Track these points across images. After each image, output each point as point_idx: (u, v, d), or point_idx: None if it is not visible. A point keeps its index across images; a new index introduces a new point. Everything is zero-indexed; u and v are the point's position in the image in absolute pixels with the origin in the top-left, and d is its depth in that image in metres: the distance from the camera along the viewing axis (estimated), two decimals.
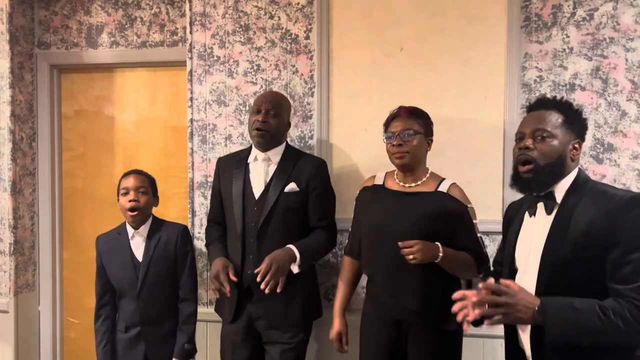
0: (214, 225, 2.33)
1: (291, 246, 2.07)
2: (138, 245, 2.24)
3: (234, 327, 2.19)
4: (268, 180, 2.17)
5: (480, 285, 1.38)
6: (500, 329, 2.23)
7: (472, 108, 2.33)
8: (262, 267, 1.97)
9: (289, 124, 2.27)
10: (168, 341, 2.23)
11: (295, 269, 2.05)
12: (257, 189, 2.17)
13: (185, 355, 2.23)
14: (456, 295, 1.45)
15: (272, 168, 2.19)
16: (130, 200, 2.18)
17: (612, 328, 1.31)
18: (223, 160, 2.33)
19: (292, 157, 2.21)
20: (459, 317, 1.43)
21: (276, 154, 2.19)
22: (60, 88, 2.99)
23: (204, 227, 2.53)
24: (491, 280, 1.37)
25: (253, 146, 2.22)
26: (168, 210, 2.83)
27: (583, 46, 2.26)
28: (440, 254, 1.82)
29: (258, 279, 1.96)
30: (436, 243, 1.83)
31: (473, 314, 1.40)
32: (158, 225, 2.28)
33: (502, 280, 1.38)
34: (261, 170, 2.19)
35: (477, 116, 2.33)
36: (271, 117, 2.14)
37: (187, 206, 2.66)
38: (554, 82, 2.28)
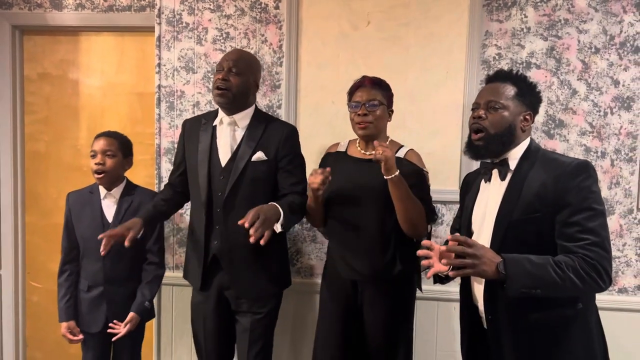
0: (168, 186, 2.28)
1: (275, 203, 1.93)
2: (109, 206, 2.26)
3: (204, 296, 2.15)
4: (235, 147, 2.08)
5: (449, 237, 1.48)
6: (452, 293, 2.38)
7: (434, 82, 2.43)
8: (249, 217, 1.80)
9: (256, 85, 2.14)
10: (129, 302, 2.23)
11: (278, 227, 1.90)
12: (224, 156, 2.08)
13: (143, 313, 2.23)
14: (424, 243, 1.57)
15: (240, 133, 2.09)
16: (96, 163, 2.20)
17: (567, 280, 1.43)
18: (189, 122, 2.23)
19: (261, 122, 2.10)
20: (424, 263, 1.56)
21: (243, 118, 2.09)
22: (23, 50, 2.93)
23: None
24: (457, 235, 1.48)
25: (219, 108, 2.12)
26: (134, 176, 2.80)
27: (540, 26, 2.37)
28: (397, 172, 1.88)
29: (246, 225, 1.78)
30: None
31: (438, 265, 1.53)
32: (131, 188, 2.32)
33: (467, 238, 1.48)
34: (227, 135, 2.08)
35: (438, 90, 2.43)
36: (233, 76, 2.02)
37: (153, 172, 2.69)
38: (511, 60, 2.40)
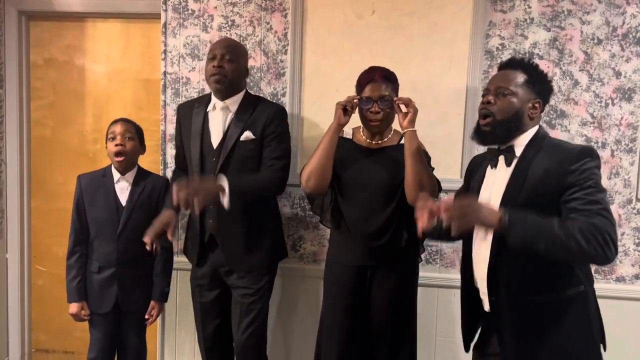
0: (178, 171, 2.41)
1: (223, 177, 2.01)
2: (123, 189, 2.32)
3: (201, 272, 2.28)
4: (225, 129, 2.18)
5: (443, 200, 1.49)
6: (453, 280, 2.42)
7: (437, 72, 2.45)
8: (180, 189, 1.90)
9: (247, 70, 2.26)
10: (140, 284, 2.32)
11: (225, 202, 1.98)
12: (215, 139, 2.19)
13: (164, 299, 2.36)
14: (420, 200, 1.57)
15: (230, 117, 2.19)
16: (117, 145, 2.26)
17: (572, 239, 1.41)
18: (183, 106, 2.35)
19: (250, 104, 2.20)
20: (420, 222, 1.53)
21: (235, 102, 2.19)
22: (29, 35, 2.94)
23: None
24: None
25: (212, 94, 2.23)
26: (139, 162, 2.86)
27: (543, 17, 2.39)
28: (414, 128, 1.97)
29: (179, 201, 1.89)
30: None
31: (431, 220, 1.51)
32: (144, 174, 2.39)
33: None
34: (219, 119, 2.19)
35: (441, 80, 2.45)
36: (226, 62, 2.13)
37: (158, 158, 2.71)
38: (514, 50, 2.41)
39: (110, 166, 2.35)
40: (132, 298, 2.29)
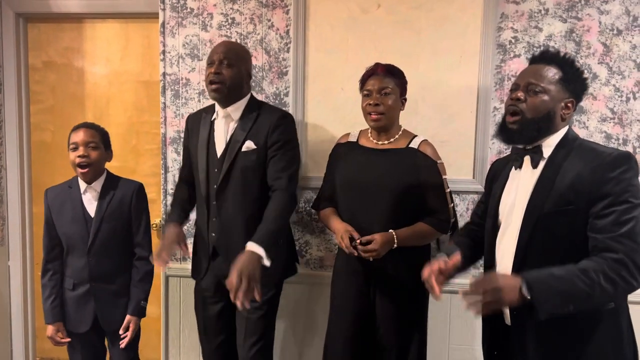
0: (182, 184, 2.26)
1: (252, 246, 1.82)
2: (90, 200, 2.16)
3: (205, 283, 2.17)
4: (228, 139, 2.06)
5: (461, 291, 1.36)
6: (467, 286, 2.31)
7: (447, 67, 2.34)
8: (232, 284, 1.72)
9: (249, 75, 2.11)
10: (119, 299, 2.18)
11: (266, 263, 1.83)
12: (219, 149, 2.08)
13: (140, 313, 2.18)
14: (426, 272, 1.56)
15: (233, 126, 2.07)
16: (79, 156, 2.09)
17: (597, 287, 1.33)
18: (191, 117, 2.23)
19: (253, 111, 2.06)
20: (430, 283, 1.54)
21: (236, 109, 2.06)
22: (27, 38, 2.88)
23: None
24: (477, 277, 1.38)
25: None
26: (140, 166, 2.80)
27: (558, 7, 2.26)
28: (395, 244, 1.90)
29: (232, 299, 1.73)
30: (390, 232, 1.90)
31: (438, 288, 1.53)
32: (113, 181, 2.21)
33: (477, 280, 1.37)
34: (222, 128, 2.08)
35: (451, 76, 2.34)
36: (224, 68, 2.00)
37: (159, 162, 2.63)
38: (528, 44, 2.29)
39: (77, 177, 2.18)
40: (113, 315, 2.16)
